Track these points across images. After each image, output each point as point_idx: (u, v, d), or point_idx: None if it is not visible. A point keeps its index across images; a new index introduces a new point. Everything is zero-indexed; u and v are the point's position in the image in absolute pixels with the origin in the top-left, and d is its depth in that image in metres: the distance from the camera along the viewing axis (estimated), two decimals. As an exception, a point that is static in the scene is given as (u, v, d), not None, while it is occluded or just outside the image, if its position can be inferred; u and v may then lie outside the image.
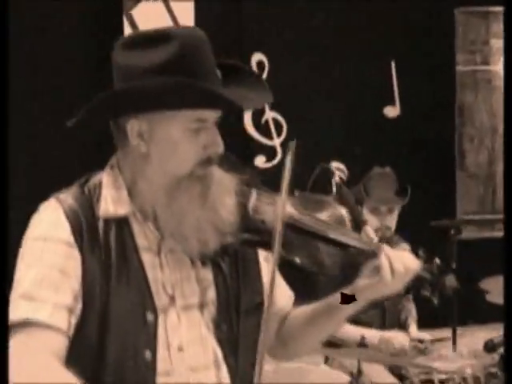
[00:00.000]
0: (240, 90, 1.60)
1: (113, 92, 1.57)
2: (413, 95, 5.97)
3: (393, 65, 6.04)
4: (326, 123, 5.84)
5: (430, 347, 3.29)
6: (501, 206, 5.83)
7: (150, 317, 1.54)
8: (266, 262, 1.74)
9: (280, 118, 5.84)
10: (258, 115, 5.76)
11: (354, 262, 1.69)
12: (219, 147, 1.59)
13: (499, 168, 5.88)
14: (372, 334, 3.33)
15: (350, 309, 1.72)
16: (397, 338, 3.28)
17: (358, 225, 2.06)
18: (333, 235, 1.67)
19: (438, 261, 1.72)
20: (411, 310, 3.74)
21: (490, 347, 3.04)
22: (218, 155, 1.59)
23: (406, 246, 1.74)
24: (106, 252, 1.53)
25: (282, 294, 1.82)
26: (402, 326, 3.66)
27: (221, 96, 1.51)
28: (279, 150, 5.80)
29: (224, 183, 1.61)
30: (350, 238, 1.69)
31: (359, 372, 2.40)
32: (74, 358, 1.50)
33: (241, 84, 1.63)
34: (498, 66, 5.97)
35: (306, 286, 1.86)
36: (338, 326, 1.76)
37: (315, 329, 1.78)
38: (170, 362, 1.56)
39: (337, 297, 1.72)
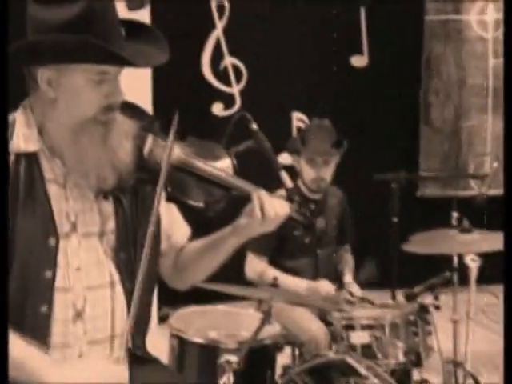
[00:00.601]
0: (141, 47, 2.05)
1: (22, 43, 1.97)
2: (381, 44, 6.23)
3: (362, 11, 6.35)
4: (288, 71, 6.09)
5: (358, 302, 3.74)
6: (465, 163, 6.23)
7: (51, 241, 2.01)
8: (167, 201, 2.21)
9: (240, 64, 6.12)
10: (216, 61, 6.02)
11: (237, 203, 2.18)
12: (120, 96, 2.05)
13: (465, 124, 6.20)
14: (301, 284, 3.81)
15: (234, 243, 2.22)
16: (323, 286, 3.75)
17: (273, 171, 2.52)
18: (218, 178, 2.14)
19: (312, 206, 2.20)
20: (348, 262, 4.19)
21: (409, 296, 3.54)
22: (118, 103, 2.05)
23: (283, 192, 2.20)
24: (14, 183, 1.98)
25: (178, 229, 2.34)
26: (338, 277, 4.12)
27: (114, 54, 1.93)
28: (238, 97, 6.12)
29: (124, 128, 2.07)
30: (232, 182, 2.17)
31: (269, 308, 2.86)
32: None
33: (143, 41, 2.07)
34: (470, 16, 6.22)
35: (198, 224, 2.34)
36: (224, 257, 2.25)
37: (205, 260, 2.28)
38: (69, 281, 2.03)
39: (222, 232, 2.23)
